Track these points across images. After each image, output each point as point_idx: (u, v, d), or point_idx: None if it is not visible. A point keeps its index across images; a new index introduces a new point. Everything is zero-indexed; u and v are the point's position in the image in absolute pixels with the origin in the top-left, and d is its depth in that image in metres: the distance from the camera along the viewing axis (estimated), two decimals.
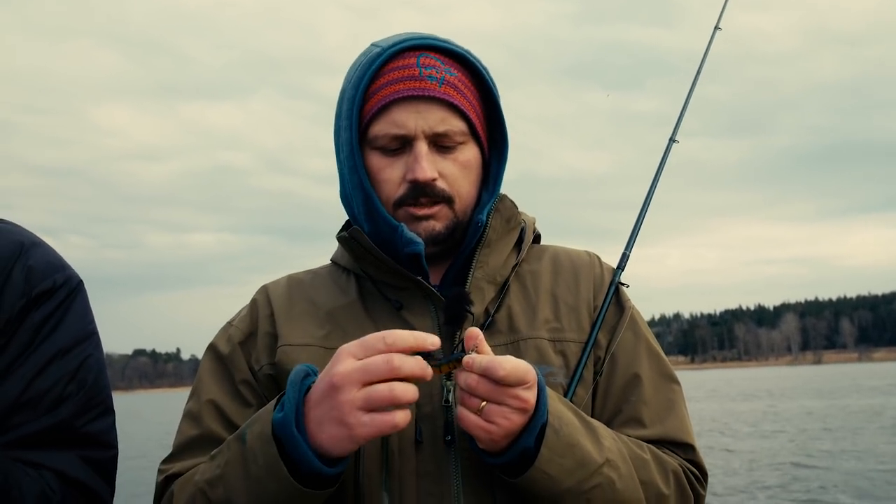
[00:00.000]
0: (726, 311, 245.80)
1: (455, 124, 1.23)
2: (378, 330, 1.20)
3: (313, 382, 1.06)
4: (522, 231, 1.35)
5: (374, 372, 0.98)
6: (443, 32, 1.25)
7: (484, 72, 1.28)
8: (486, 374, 1.00)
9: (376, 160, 1.24)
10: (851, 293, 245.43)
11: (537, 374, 1.06)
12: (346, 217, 1.36)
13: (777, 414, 29.52)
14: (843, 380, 62.42)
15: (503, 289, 1.30)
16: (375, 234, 1.26)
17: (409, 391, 0.99)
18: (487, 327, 1.25)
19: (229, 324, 1.34)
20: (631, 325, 1.32)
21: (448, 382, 1.16)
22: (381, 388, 0.98)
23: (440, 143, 1.23)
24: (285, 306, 1.31)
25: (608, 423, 1.23)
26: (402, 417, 0.99)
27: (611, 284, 1.34)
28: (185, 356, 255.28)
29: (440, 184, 1.23)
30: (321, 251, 1.40)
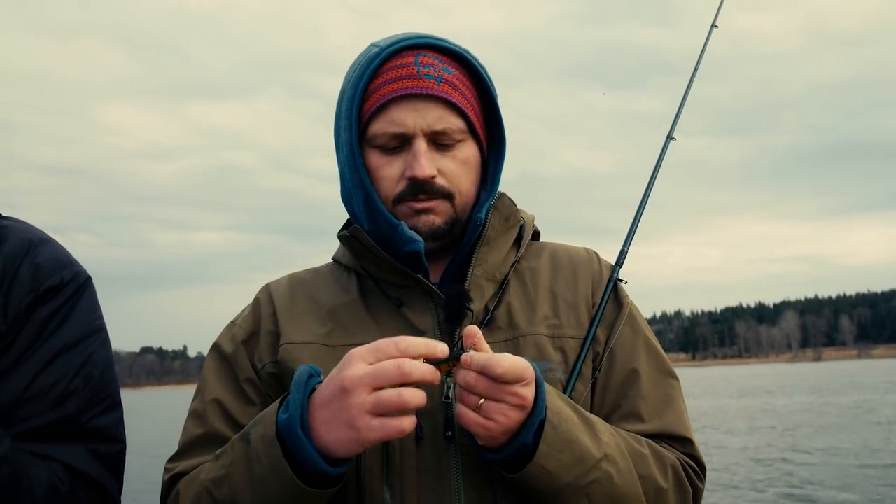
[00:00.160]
0: (727, 309, 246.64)
1: (453, 122, 1.24)
2: (379, 327, 1.24)
3: (318, 383, 1.07)
4: (521, 228, 1.36)
5: (384, 377, 0.99)
6: (446, 33, 1.24)
7: (482, 70, 1.29)
8: (484, 372, 1.02)
9: (376, 158, 1.25)
10: (851, 291, 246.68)
11: (535, 371, 1.07)
12: (349, 215, 1.37)
13: (770, 411, 29.73)
14: (841, 377, 62.69)
15: (502, 286, 1.30)
16: (376, 232, 1.27)
17: (417, 397, 1.00)
18: (487, 324, 1.25)
19: (233, 323, 1.35)
20: (629, 322, 1.33)
21: (448, 379, 1.17)
22: (391, 394, 0.99)
23: (439, 141, 1.24)
24: (287, 305, 1.32)
25: (607, 419, 1.23)
26: (409, 423, 1.01)
27: (609, 281, 1.35)
28: (192, 353, 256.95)
29: (439, 181, 1.24)
30: (326, 249, 1.43)
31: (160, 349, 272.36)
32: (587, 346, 1.26)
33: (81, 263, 1.33)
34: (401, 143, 1.23)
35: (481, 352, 1.04)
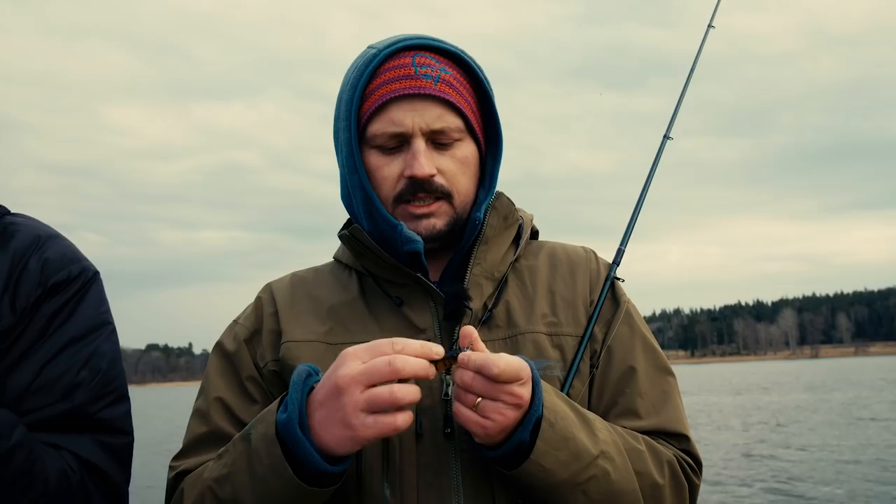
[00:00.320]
0: (726, 307, 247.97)
1: (451, 121, 1.24)
2: (379, 326, 1.25)
3: (317, 382, 1.08)
4: (520, 228, 1.37)
5: (376, 374, 1.00)
6: (447, 33, 1.43)
7: (478, 70, 1.29)
8: (481, 372, 1.02)
9: (375, 158, 1.25)
10: (848, 289, 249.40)
11: (532, 370, 1.08)
12: (349, 215, 1.37)
13: (763, 408, 29.72)
14: (837, 374, 62.58)
15: (501, 284, 1.31)
16: (376, 232, 1.27)
17: (410, 393, 1.00)
18: (486, 322, 1.26)
19: (235, 322, 1.36)
20: (626, 319, 1.33)
21: (447, 376, 1.18)
22: (382, 391, 1.00)
23: (437, 140, 1.24)
24: (288, 303, 1.33)
25: (604, 415, 1.24)
26: (403, 419, 1.01)
27: (606, 279, 1.35)
28: (197, 351, 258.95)
29: (438, 179, 1.24)
30: (329, 248, 1.41)
31: (166, 346, 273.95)
32: (585, 343, 1.27)
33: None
34: (400, 142, 1.24)
35: (478, 351, 1.04)
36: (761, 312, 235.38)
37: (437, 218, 1.26)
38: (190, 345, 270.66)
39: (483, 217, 1.30)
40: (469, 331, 1.06)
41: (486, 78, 1.31)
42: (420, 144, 1.22)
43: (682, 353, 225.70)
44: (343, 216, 1.39)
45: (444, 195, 1.25)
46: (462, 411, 1.06)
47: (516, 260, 1.34)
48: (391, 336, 1.17)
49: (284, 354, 1.26)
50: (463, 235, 1.30)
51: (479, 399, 1.04)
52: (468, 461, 1.17)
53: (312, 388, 1.07)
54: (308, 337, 1.27)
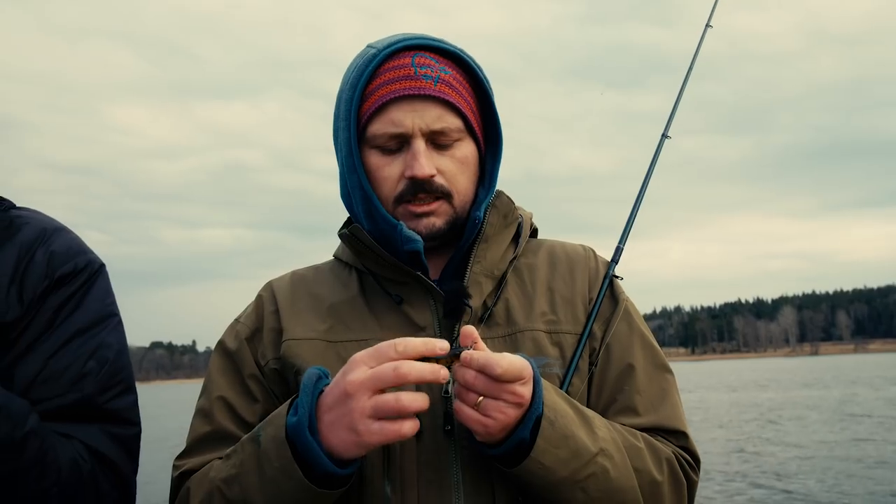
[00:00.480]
0: (726, 304, 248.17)
1: (451, 121, 1.24)
2: (379, 324, 1.25)
3: (326, 385, 1.08)
4: (519, 226, 1.37)
5: (382, 380, 1.01)
6: (449, 34, 1.45)
7: (478, 70, 1.29)
8: (484, 371, 1.02)
9: (375, 159, 1.26)
10: (848, 287, 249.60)
11: (532, 369, 1.08)
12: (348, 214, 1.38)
13: (758, 404, 29.77)
14: (836, 371, 62.40)
15: (501, 282, 1.31)
16: (375, 231, 1.28)
17: (416, 401, 1.01)
18: (485, 320, 1.27)
19: (236, 320, 1.37)
20: (625, 317, 1.34)
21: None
22: (388, 398, 1.01)
23: (437, 141, 1.25)
24: (289, 301, 1.34)
25: (603, 412, 1.25)
26: (409, 427, 1.02)
27: (605, 277, 1.36)
28: (201, 348, 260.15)
29: (438, 180, 1.24)
30: (332, 247, 1.43)
31: (170, 344, 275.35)
32: (584, 341, 1.27)
33: None
34: (399, 143, 1.24)
35: (479, 351, 1.05)
36: (761, 310, 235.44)
37: (436, 217, 1.26)
38: (193, 342, 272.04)
39: (483, 216, 1.30)
40: (470, 330, 1.06)
41: (485, 77, 1.31)
42: (420, 145, 1.23)
43: (682, 350, 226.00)
44: (345, 215, 1.39)
45: (444, 195, 1.26)
46: (463, 410, 1.06)
47: (515, 258, 1.34)
48: (391, 334, 1.19)
49: (285, 352, 1.26)
50: (462, 234, 1.30)
51: (481, 398, 1.04)
52: (468, 458, 1.17)
53: (323, 392, 1.08)
54: (308, 335, 1.28)
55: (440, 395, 1.18)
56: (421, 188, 1.24)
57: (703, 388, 43.88)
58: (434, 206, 1.26)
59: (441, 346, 1.03)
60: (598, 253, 1.43)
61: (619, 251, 1.43)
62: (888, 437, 17.30)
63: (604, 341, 1.30)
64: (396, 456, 1.17)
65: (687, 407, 1.19)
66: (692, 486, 1.25)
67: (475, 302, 1.27)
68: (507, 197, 1.35)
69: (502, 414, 1.05)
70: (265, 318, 1.33)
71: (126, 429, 1.27)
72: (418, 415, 1.08)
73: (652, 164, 1.58)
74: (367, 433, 1.01)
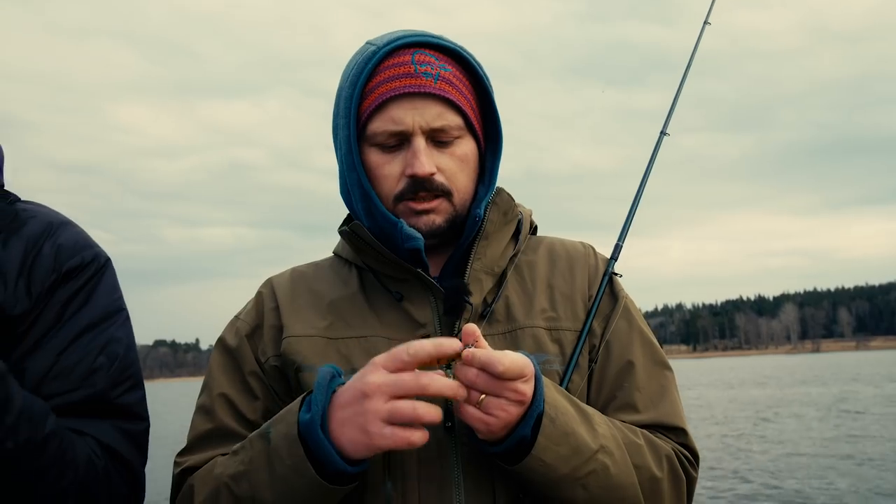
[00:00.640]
0: (727, 302, 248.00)
1: (451, 119, 1.24)
2: (380, 320, 1.26)
3: (340, 384, 1.09)
4: (519, 223, 1.37)
5: (402, 387, 1.01)
6: (450, 32, 1.29)
7: (477, 67, 1.29)
8: (486, 370, 1.02)
9: (375, 157, 1.26)
10: (849, 284, 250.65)
11: (534, 366, 1.08)
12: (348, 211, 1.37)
13: (752, 402, 29.86)
14: (836, 369, 62.25)
15: (501, 279, 1.31)
16: (375, 228, 1.27)
17: (431, 412, 1.02)
18: (486, 317, 1.27)
19: (236, 317, 1.37)
20: (625, 314, 1.34)
21: (448, 371, 1.17)
22: (405, 406, 1.01)
23: (437, 139, 1.24)
24: (289, 298, 1.33)
25: (603, 409, 1.25)
26: (419, 437, 1.02)
27: (604, 275, 1.36)
28: (204, 346, 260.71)
29: (439, 178, 1.24)
30: (333, 245, 1.43)
31: (173, 342, 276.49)
32: (583, 338, 1.28)
33: None
34: (399, 141, 1.24)
35: (481, 349, 1.05)
36: (763, 307, 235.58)
37: (437, 214, 1.26)
38: (197, 340, 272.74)
39: (483, 213, 1.30)
40: (472, 328, 1.06)
41: (485, 74, 1.31)
42: (420, 143, 1.22)
43: (683, 347, 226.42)
44: (346, 213, 1.39)
45: (444, 193, 1.26)
46: (465, 408, 1.06)
47: (516, 255, 1.34)
48: (391, 331, 1.22)
49: (286, 349, 1.26)
50: (462, 232, 1.30)
51: (483, 396, 1.04)
52: (468, 455, 1.17)
53: (336, 391, 1.08)
54: (308, 332, 1.27)
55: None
56: (421, 186, 1.24)
57: (702, 386, 44.06)
58: (434, 203, 1.26)
59: (451, 345, 1.02)
60: (598, 250, 1.43)
61: (618, 248, 1.44)
62: (883, 434, 17.35)
63: (603, 338, 1.31)
64: (397, 452, 1.17)
65: (685, 404, 1.27)
66: (691, 483, 1.26)
67: (475, 299, 1.26)
68: (508, 194, 1.35)
69: (504, 412, 1.05)
70: (265, 315, 1.33)
71: (136, 424, 1.27)
72: None
73: (651, 162, 1.58)
74: (379, 436, 1.02)
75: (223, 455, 1.22)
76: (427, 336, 1.23)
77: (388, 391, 1.01)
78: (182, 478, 1.24)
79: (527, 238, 1.39)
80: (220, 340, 1.35)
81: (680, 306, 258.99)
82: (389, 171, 1.25)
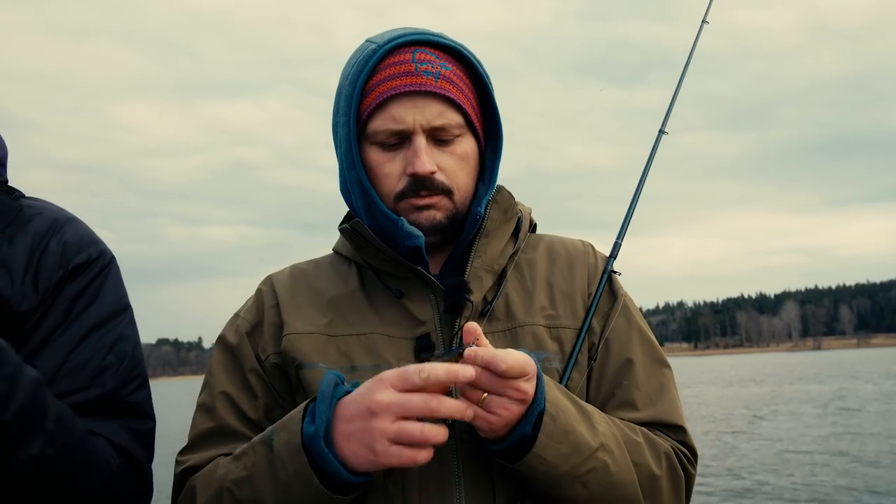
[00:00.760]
0: (729, 300, 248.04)
1: (452, 118, 1.24)
2: (380, 318, 1.26)
3: (344, 392, 1.08)
4: (519, 221, 1.37)
5: (411, 409, 1.00)
6: (450, 30, 1.27)
7: (478, 65, 1.29)
8: (489, 368, 1.02)
9: (376, 155, 1.26)
10: (850, 281, 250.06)
11: (535, 364, 1.09)
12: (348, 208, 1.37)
13: (748, 399, 29.87)
14: (834, 366, 62.17)
15: (501, 277, 1.31)
16: (375, 226, 1.27)
17: (438, 434, 1.02)
18: (486, 315, 1.27)
19: (237, 315, 1.36)
20: (623, 312, 1.34)
21: None
22: (414, 428, 1.01)
23: (438, 137, 1.24)
24: (289, 295, 1.33)
25: (602, 407, 1.25)
26: (424, 456, 1.02)
27: (604, 273, 1.36)
28: (207, 345, 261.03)
29: (439, 177, 1.24)
30: (334, 243, 1.43)
31: (176, 341, 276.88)
32: (583, 336, 1.28)
33: None
34: (400, 139, 1.24)
35: (484, 347, 1.05)
36: (764, 305, 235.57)
37: (437, 210, 1.26)
38: (200, 339, 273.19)
39: (484, 211, 1.30)
40: (473, 327, 1.06)
41: (485, 72, 1.31)
42: (421, 142, 1.23)
43: (685, 345, 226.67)
44: (346, 210, 1.39)
45: (445, 192, 1.26)
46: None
47: (515, 253, 1.34)
48: (391, 328, 1.23)
49: (286, 347, 1.26)
50: (463, 230, 1.30)
51: (485, 395, 1.04)
52: (469, 453, 1.18)
53: (340, 399, 1.08)
54: (309, 329, 1.27)
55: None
56: (422, 185, 1.24)
57: (701, 384, 44.04)
58: (435, 199, 1.26)
59: (464, 373, 1.01)
60: (598, 249, 1.43)
61: (617, 246, 1.44)
62: (881, 432, 17.32)
63: (602, 336, 1.31)
64: None
65: (683, 402, 1.30)
66: (690, 480, 1.26)
67: (476, 297, 1.26)
68: (508, 192, 1.35)
69: (506, 410, 1.05)
70: (265, 313, 1.33)
71: (144, 423, 1.26)
72: None
73: (649, 161, 1.58)
74: (384, 455, 1.01)
75: (224, 455, 1.22)
76: (427, 334, 1.24)
77: (396, 411, 1.01)
78: (183, 477, 1.25)
79: (526, 236, 1.39)
80: (221, 338, 1.35)
81: (681, 304, 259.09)
82: (390, 169, 1.25)
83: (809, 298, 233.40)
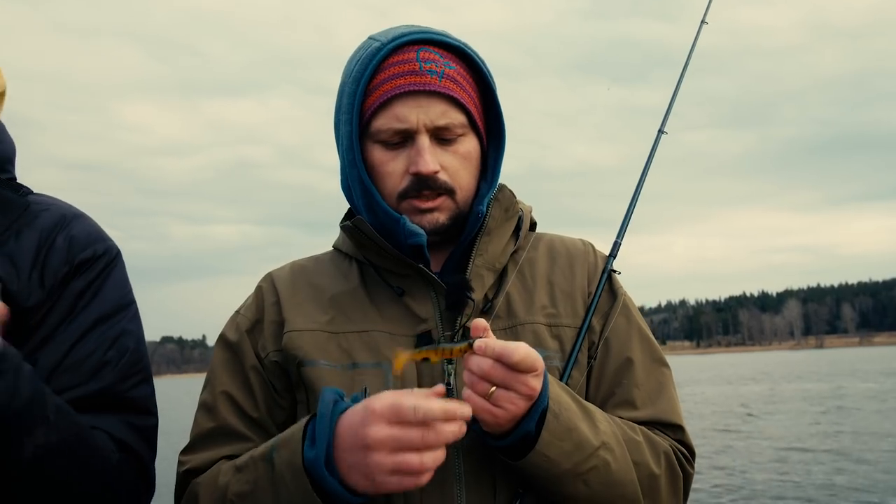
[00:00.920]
0: (731, 298, 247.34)
1: (455, 117, 1.24)
2: (381, 315, 1.25)
3: (345, 408, 1.08)
4: (520, 219, 1.37)
5: (407, 443, 1.00)
6: (452, 30, 1.28)
7: (481, 64, 1.29)
8: (500, 360, 1.02)
9: (379, 154, 1.25)
10: (853, 280, 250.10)
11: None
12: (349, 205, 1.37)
13: (745, 397, 29.87)
14: (836, 364, 61.52)
15: (502, 276, 1.32)
16: (377, 224, 1.27)
17: (437, 460, 1.01)
18: (487, 313, 1.27)
19: (237, 312, 1.36)
20: (623, 311, 1.34)
21: (449, 366, 1.19)
22: (413, 460, 1.00)
23: (441, 136, 1.24)
24: (290, 292, 1.33)
25: (601, 405, 1.25)
26: (426, 479, 1.02)
27: (603, 272, 1.36)
28: (210, 343, 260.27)
29: (442, 176, 1.24)
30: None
31: (180, 339, 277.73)
32: (583, 334, 1.28)
33: None
34: (403, 138, 1.24)
35: (494, 339, 1.05)
36: (766, 303, 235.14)
37: (440, 212, 1.26)
38: (203, 337, 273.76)
39: (486, 210, 1.30)
40: (482, 324, 1.06)
41: (488, 71, 1.30)
42: (424, 141, 1.22)
43: (687, 344, 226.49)
44: (348, 208, 1.39)
45: (448, 191, 1.26)
46: (474, 399, 1.05)
47: (516, 251, 1.34)
48: (392, 325, 1.23)
49: (287, 344, 1.26)
50: (464, 228, 1.30)
51: (494, 388, 1.04)
52: (470, 449, 1.18)
53: (339, 418, 1.07)
54: (310, 326, 1.27)
55: (444, 386, 1.16)
56: (425, 184, 1.24)
57: (701, 383, 43.83)
58: (438, 202, 1.25)
59: (462, 412, 1.01)
60: (598, 247, 1.43)
61: (616, 246, 1.44)
62: (878, 431, 17.27)
63: (602, 335, 1.31)
64: None
65: (681, 400, 1.32)
66: (688, 479, 1.27)
67: (477, 295, 1.26)
68: (509, 190, 1.35)
69: (513, 405, 1.05)
70: (266, 310, 1.32)
71: (145, 419, 1.26)
72: None
73: (648, 161, 1.58)
74: (384, 485, 1.02)
75: (227, 458, 1.22)
76: (428, 331, 1.24)
77: (392, 445, 1.00)
78: (185, 479, 1.25)
79: (526, 234, 1.39)
80: (222, 336, 1.35)
81: (683, 302, 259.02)
82: (393, 168, 1.25)
83: (811, 297, 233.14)
